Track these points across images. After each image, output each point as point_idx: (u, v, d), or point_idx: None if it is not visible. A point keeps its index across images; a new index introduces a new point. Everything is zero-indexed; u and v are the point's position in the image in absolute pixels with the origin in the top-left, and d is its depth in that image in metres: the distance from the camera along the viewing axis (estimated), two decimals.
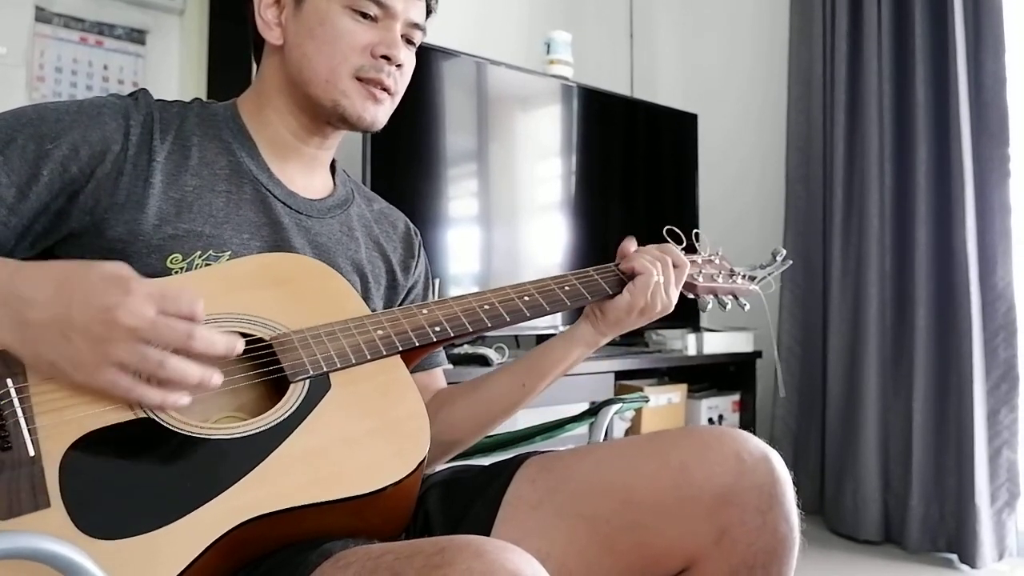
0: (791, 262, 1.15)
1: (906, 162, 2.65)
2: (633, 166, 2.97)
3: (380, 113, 1.00)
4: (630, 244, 1.07)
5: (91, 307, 0.67)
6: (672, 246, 1.04)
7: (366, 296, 1.08)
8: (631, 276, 1.01)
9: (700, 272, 1.10)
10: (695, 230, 1.14)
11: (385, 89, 0.99)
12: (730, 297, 1.13)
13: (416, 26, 1.02)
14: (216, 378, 0.72)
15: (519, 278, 2.52)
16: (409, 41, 1.02)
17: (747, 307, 1.15)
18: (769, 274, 1.15)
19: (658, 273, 1.00)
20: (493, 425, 1.10)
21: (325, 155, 1.08)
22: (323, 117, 1.00)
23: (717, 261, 1.14)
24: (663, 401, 2.68)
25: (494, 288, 0.99)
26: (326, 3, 0.96)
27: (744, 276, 1.14)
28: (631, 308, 1.00)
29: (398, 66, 0.99)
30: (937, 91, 2.57)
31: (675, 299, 1.04)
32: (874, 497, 2.61)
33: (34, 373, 0.71)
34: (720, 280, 1.11)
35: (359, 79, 0.97)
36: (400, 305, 1.15)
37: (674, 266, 1.03)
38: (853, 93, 2.78)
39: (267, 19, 1.00)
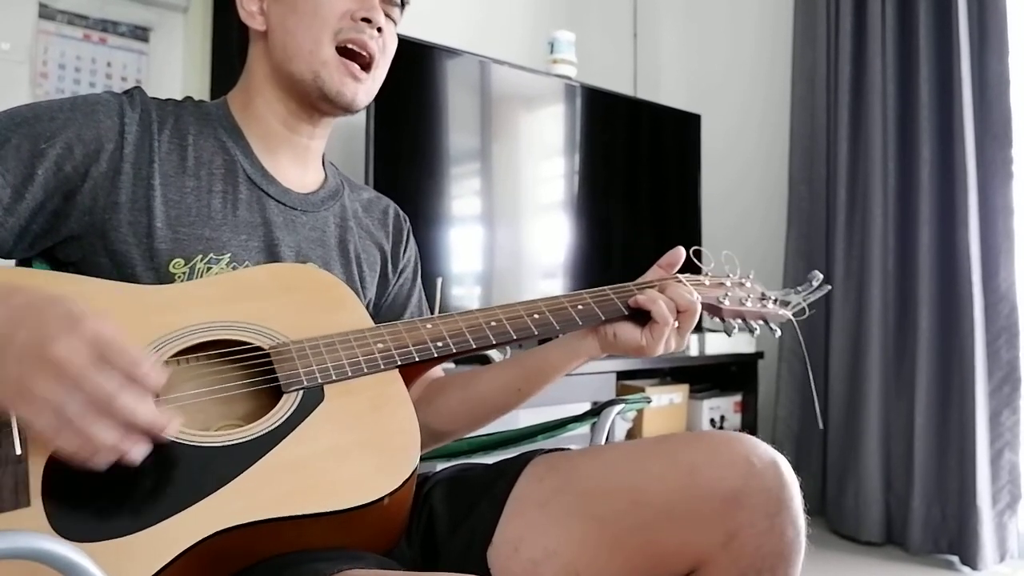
0: (829, 287, 1.10)
1: (910, 163, 2.65)
2: (636, 166, 2.96)
3: (360, 91, 1.01)
4: (678, 257, 1.04)
5: (34, 334, 0.63)
6: (686, 288, 0.99)
7: (362, 285, 1.08)
8: (645, 312, 0.97)
9: (727, 296, 1.05)
10: (724, 251, 1.10)
11: (367, 64, 1.00)
12: (760, 322, 1.08)
13: (391, 1, 1.03)
14: (135, 452, 0.65)
15: (522, 278, 2.54)
16: (388, 16, 1.03)
17: (778, 334, 1.11)
18: (805, 300, 1.09)
19: (674, 320, 0.97)
20: (486, 422, 1.10)
21: (317, 145, 1.08)
22: (305, 96, 1.00)
23: (748, 284, 1.09)
24: (665, 401, 2.68)
25: (503, 304, 0.97)
26: None
27: (775, 300, 1.09)
28: (640, 351, 0.99)
29: (379, 30, 1.00)
30: (941, 92, 2.57)
31: (685, 341, 1.01)
32: (876, 498, 2.61)
33: None
34: (749, 304, 1.07)
35: (341, 52, 0.98)
36: (391, 290, 1.16)
37: (683, 311, 0.98)
38: (857, 93, 2.78)
39: (250, 10, 1.01)
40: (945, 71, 2.55)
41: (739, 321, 1.08)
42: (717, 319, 1.07)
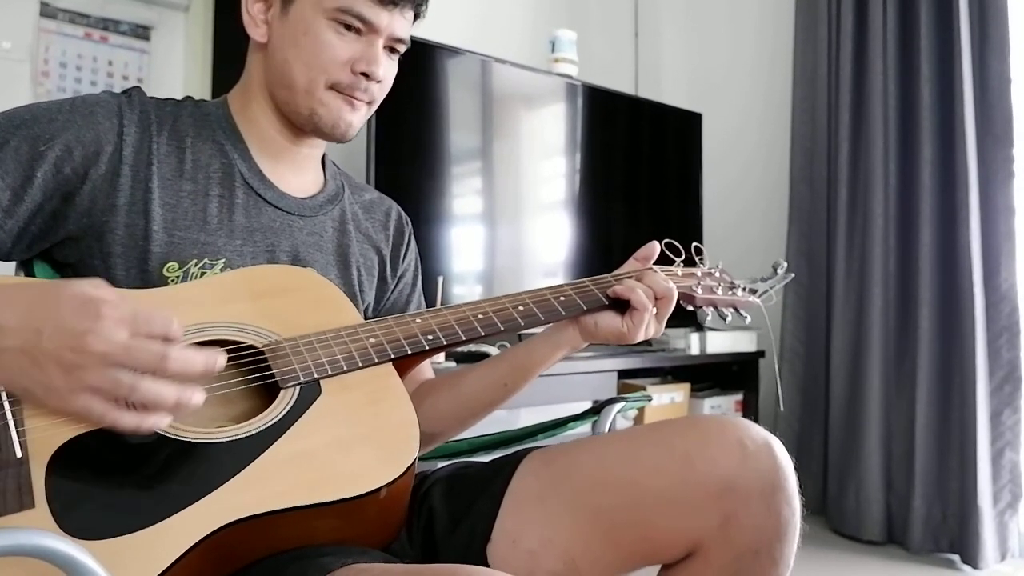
0: (793, 275, 1.15)
1: (910, 163, 2.65)
2: (637, 165, 2.96)
3: (356, 119, 1.00)
4: (653, 251, 1.07)
5: (61, 333, 0.65)
6: (661, 277, 1.03)
7: (360, 289, 1.08)
8: (624, 301, 1.00)
9: (699, 284, 1.09)
10: (695, 243, 1.14)
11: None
12: (730, 309, 1.12)
13: (400, 40, 1.01)
14: (196, 397, 0.69)
15: (523, 276, 2.54)
16: (392, 50, 1.02)
17: (748, 319, 1.15)
18: (771, 287, 1.14)
19: (652, 307, 1.00)
20: (475, 420, 1.11)
21: (316, 152, 1.08)
22: (299, 125, 1.00)
23: (717, 274, 1.13)
24: (666, 400, 2.68)
25: (490, 297, 0.99)
26: (312, 13, 0.95)
27: (744, 289, 1.14)
28: (622, 338, 1.01)
29: (377, 82, 0.99)
30: (942, 92, 2.56)
31: (663, 327, 1.04)
32: (877, 497, 2.61)
33: None
34: (720, 292, 1.11)
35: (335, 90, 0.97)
36: (390, 294, 1.16)
37: (660, 298, 1.01)
38: (858, 93, 2.77)
39: (253, 14, 1.00)
40: (946, 71, 2.55)
41: (711, 309, 1.12)
42: (691, 307, 1.11)
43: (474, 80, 2.48)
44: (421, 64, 2.29)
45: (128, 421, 0.66)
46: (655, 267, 1.06)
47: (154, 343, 0.67)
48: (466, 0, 2.84)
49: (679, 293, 1.03)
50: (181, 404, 0.68)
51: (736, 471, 0.86)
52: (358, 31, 0.96)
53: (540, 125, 2.69)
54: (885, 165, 2.69)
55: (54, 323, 0.65)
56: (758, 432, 0.90)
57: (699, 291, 1.09)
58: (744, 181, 3.32)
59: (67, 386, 0.65)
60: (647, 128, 2.99)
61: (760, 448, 0.88)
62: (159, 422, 0.68)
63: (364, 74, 0.97)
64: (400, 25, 0.99)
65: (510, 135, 2.60)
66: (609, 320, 1.00)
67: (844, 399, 2.75)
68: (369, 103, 1.01)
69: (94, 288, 0.68)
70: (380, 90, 1.02)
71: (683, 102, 3.20)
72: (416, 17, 1.03)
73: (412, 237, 1.21)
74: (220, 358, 0.70)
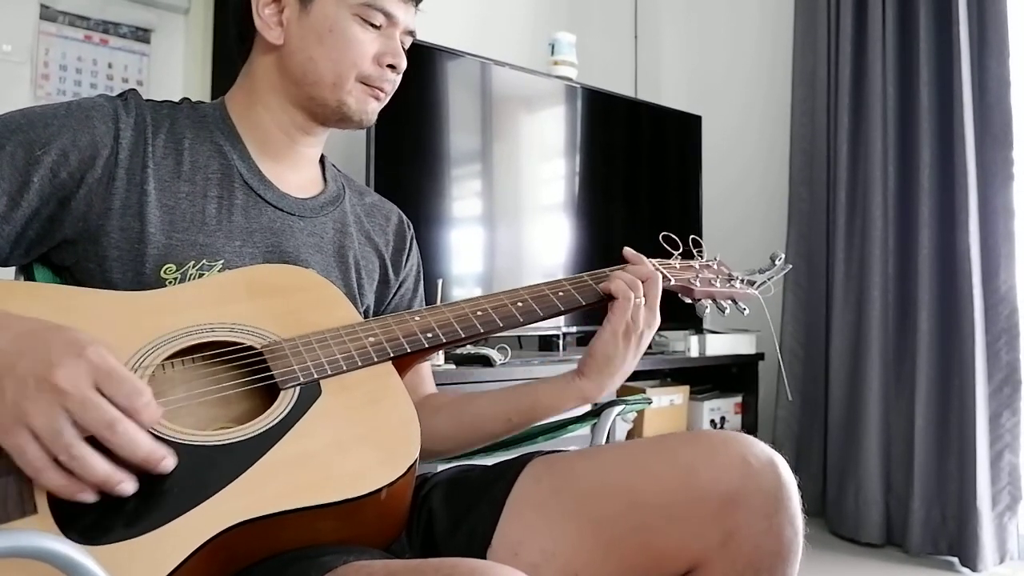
0: (790, 266, 1.15)
1: (910, 165, 2.65)
2: (637, 167, 2.96)
3: (377, 107, 1.05)
4: (631, 253, 1.07)
5: (37, 360, 0.63)
6: (645, 261, 1.03)
7: (360, 292, 1.08)
8: (609, 297, 0.99)
9: (697, 277, 1.09)
10: (692, 236, 1.14)
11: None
12: (729, 302, 1.12)
13: (411, 33, 1.05)
14: (123, 486, 0.63)
15: (522, 278, 2.53)
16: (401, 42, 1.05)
17: (747, 311, 1.14)
18: (768, 278, 1.14)
19: (637, 295, 0.99)
20: (474, 447, 1.10)
21: (315, 152, 1.09)
22: (322, 116, 1.02)
23: (715, 266, 1.13)
24: (665, 403, 2.68)
25: (488, 294, 0.99)
26: (335, 9, 0.97)
27: (742, 280, 1.14)
28: (615, 333, 0.99)
29: (399, 73, 1.03)
30: (941, 94, 2.57)
31: (657, 315, 1.03)
32: (876, 499, 2.61)
33: None
34: (718, 285, 1.11)
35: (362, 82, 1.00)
36: (391, 298, 1.16)
37: (644, 280, 1.00)
38: (857, 95, 2.78)
39: (265, 17, 1.00)
40: (945, 73, 2.55)
41: (710, 301, 1.12)
42: (688, 300, 1.11)
43: (474, 82, 2.48)
44: (421, 66, 2.29)
45: (53, 481, 0.62)
46: (652, 260, 1.06)
47: (110, 408, 0.63)
48: (466, 2, 2.84)
49: (678, 286, 1.03)
50: (106, 485, 0.63)
51: (738, 486, 0.85)
52: (378, 26, 1.00)
53: (540, 127, 2.69)
54: (884, 167, 2.69)
55: (37, 350, 0.64)
56: (763, 450, 0.89)
57: (697, 283, 1.09)
58: (744, 183, 3.33)
59: (12, 415, 0.62)
60: (647, 130, 2.99)
61: (764, 466, 0.87)
62: (81, 497, 0.63)
63: (390, 66, 1.01)
64: (412, 17, 1.04)
65: (510, 137, 2.60)
66: (598, 335, 1.00)
67: (843, 401, 2.75)
68: (388, 93, 1.04)
69: (93, 338, 0.67)
70: (399, 80, 1.05)
71: (683, 104, 3.21)
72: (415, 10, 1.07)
73: (414, 241, 1.21)
74: (168, 459, 0.66)
